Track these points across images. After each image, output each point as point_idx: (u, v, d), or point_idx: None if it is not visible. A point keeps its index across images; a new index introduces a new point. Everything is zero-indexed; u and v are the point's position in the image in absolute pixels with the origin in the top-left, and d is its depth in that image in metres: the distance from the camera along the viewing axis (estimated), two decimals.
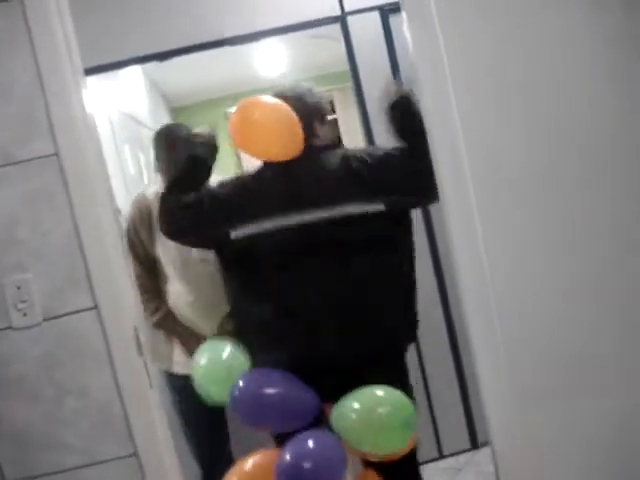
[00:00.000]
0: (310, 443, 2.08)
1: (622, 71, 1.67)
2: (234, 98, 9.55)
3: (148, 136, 5.52)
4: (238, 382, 2.16)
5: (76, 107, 1.71)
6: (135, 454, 1.74)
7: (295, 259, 2.26)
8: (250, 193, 2.35)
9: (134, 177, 4.47)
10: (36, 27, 1.68)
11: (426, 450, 3.39)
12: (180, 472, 1.88)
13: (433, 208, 2.96)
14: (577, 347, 1.68)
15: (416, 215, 2.72)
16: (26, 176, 1.69)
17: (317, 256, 2.24)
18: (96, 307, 1.72)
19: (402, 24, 1.76)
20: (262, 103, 2.39)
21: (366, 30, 3.28)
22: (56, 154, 1.68)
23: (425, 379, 3.36)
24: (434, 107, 1.68)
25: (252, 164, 2.70)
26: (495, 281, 1.65)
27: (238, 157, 9.01)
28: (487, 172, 1.65)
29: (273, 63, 7.36)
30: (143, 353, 1.77)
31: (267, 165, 2.38)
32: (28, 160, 1.69)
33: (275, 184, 2.33)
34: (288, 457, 2.03)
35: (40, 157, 1.69)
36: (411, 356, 3.27)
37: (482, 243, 1.64)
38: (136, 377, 1.74)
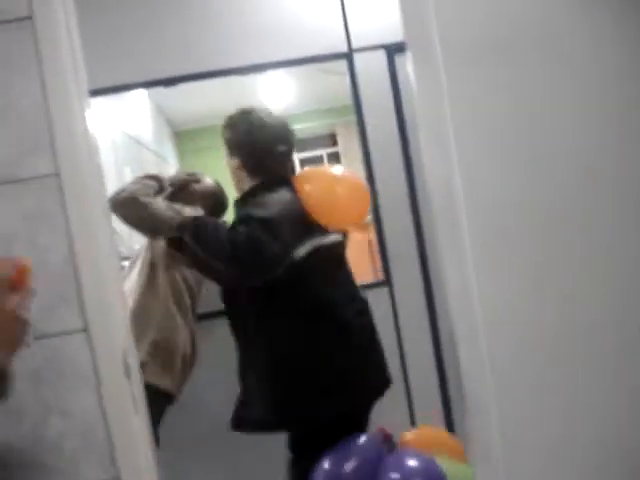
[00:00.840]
0: None
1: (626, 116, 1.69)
2: None
3: (150, 159, 5.56)
4: None
5: (79, 128, 1.72)
6: (117, 478, 1.73)
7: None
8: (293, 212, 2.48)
9: None
10: (45, 47, 1.69)
11: None
12: None
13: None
14: (570, 397, 1.69)
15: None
16: (25, 194, 1.69)
17: None
18: (86, 330, 1.71)
19: (407, 63, 1.78)
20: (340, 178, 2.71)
21: (371, 67, 3.32)
22: (56, 174, 1.69)
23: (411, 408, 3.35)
24: (433, 150, 1.70)
25: None
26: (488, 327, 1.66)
27: None
28: (484, 218, 1.66)
29: (278, 94, 7.42)
30: (130, 376, 1.76)
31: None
32: (28, 179, 1.69)
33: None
34: None
35: (40, 176, 1.69)
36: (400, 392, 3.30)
37: (475, 286, 1.65)
38: (121, 401, 1.73)
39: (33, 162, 1.69)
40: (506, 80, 1.68)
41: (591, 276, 1.69)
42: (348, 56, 3.30)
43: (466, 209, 1.66)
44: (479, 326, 1.66)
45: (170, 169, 7.44)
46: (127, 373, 1.74)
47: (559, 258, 1.67)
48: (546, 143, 1.67)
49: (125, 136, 4.63)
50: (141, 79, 3.28)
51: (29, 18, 1.69)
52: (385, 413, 3.31)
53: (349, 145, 9.08)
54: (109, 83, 3.16)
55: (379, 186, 3.34)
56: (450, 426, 3.35)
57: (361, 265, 8.61)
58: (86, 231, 1.70)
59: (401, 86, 3.29)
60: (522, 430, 1.72)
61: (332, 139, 9.29)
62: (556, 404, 1.71)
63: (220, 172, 9.53)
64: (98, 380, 1.72)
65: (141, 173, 4.87)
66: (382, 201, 3.34)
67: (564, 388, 1.71)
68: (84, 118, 1.75)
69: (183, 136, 8.72)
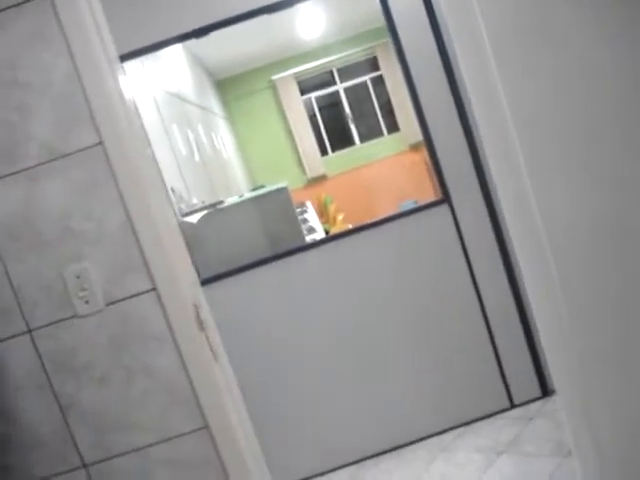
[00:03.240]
0: None
1: None
2: (277, 65, 9.62)
3: (195, 113, 5.58)
4: None
5: (114, 95, 1.73)
6: (206, 427, 1.79)
7: None
8: None
9: (185, 156, 4.51)
10: (67, 20, 1.70)
11: (497, 401, 3.40)
12: (255, 441, 1.93)
13: None
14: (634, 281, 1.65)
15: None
16: (73, 168, 1.73)
17: None
18: (154, 289, 1.76)
19: None
20: None
21: None
22: (100, 143, 1.71)
23: (490, 330, 3.35)
24: (470, 57, 1.65)
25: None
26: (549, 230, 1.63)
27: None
28: (533, 126, 1.61)
29: (312, 26, 7.33)
30: (205, 328, 1.80)
31: None
32: (73, 152, 1.72)
33: None
34: None
35: (85, 148, 1.72)
36: (475, 310, 3.30)
37: (532, 193, 1.62)
38: (200, 352, 1.78)
39: (76, 135, 1.72)
40: None
41: None
42: None
43: (512, 117, 1.61)
44: (541, 230, 1.63)
45: (217, 119, 7.46)
46: (200, 326, 1.79)
47: (614, 157, 1.61)
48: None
49: (167, 94, 4.65)
50: (173, 34, 3.25)
51: None
52: (462, 325, 3.35)
53: (391, 67, 8.95)
54: (142, 44, 3.15)
55: (425, 105, 3.27)
56: (527, 328, 3.35)
57: (422, 185, 8.61)
58: (139, 195, 1.73)
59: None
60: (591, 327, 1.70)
61: (374, 63, 9.15)
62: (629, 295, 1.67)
63: (264, 115, 9.55)
64: (173, 336, 1.77)
65: (188, 129, 4.93)
66: (431, 121, 3.28)
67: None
68: (118, 84, 1.76)
69: (224, 84, 8.74)
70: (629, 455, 1.72)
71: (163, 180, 1.90)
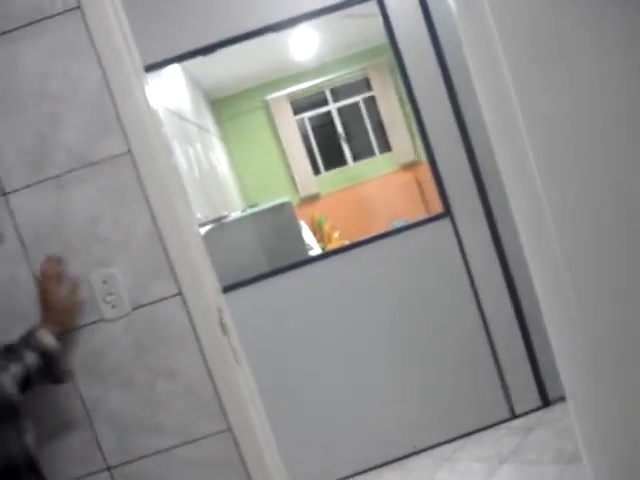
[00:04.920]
0: None
1: None
2: (270, 85, 9.67)
3: (193, 131, 5.64)
4: None
5: (142, 104, 1.79)
6: (229, 429, 1.83)
7: None
8: None
9: (186, 172, 4.57)
10: (97, 31, 1.75)
11: (498, 411, 3.45)
12: (274, 443, 1.96)
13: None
14: None
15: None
16: (102, 175, 1.78)
17: None
18: (180, 293, 1.80)
19: None
20: None
21: (402, 2, 3.30)
22: (129, 151, 1.76)
23: (491, 341, 3.41)
24: (480, 66, 1.71)
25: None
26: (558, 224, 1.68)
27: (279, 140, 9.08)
28: (543, 127, 1.67)
29: (306, 47, 7.42)
30: (227, 333, 1.85)
31: None
32: (102, 160, 1.77)
33: None
34: None
35: (114, 156, 1.77)
36: (476, 321, 3.36)
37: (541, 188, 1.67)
38: (223, 356, 1.82)
39: (105, 143, 1.77)
40: None
41: None
42: None
43: (524, 120, 1.67)
44: (550, 224, 1.67)
45: (212, 138, 7.53)
46: (224, 330, 1.83)
47: (626, 157, 1.67)
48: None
49: (167, 111, 4.71)
50: (176, 53, 3.32)
51: (77, 7, 1.76)
52: (463, 336, 3.40)
53: (384, 87, 9.06)
54: (145, 62, 3.21)
55: (426, 122, 3.35)
56: (527, 339, 3.41)
57: (413, 204, 8.66)
58: (165, 202, 1.78)
59: (433, 16, 3.28)
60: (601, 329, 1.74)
61: (366, 84, 9.26)
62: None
63: (258, 134, 9.59)
64: (198, 339, 1.81)
65: (188, 146, 4.99)
66: (432, 137, 3.35)
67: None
68: (145, 94, 1.82)
69: (219, 104, 8.82)
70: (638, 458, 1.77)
71: (185, 189, 1.95)
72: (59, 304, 1.72)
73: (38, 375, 1.61)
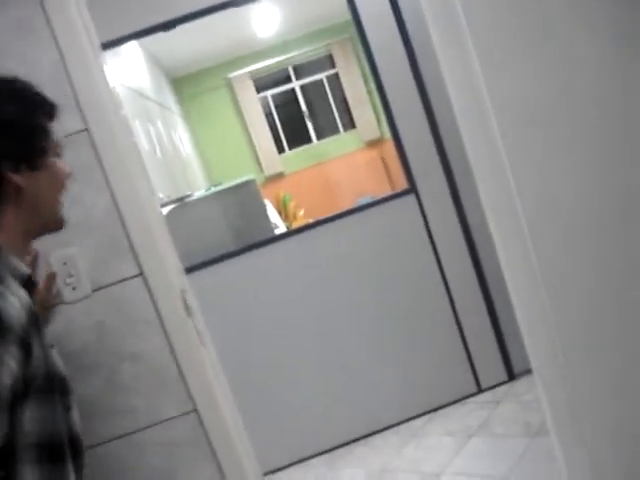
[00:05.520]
0: None
1: None
2: (233, 63, 9.55)
3: (154, 109, 5.56)
4: None
5: (100, 82, 1.74)
6: (195, 410, 1.82)
7: None
8: None
9: (148, 151, 4.50)
10: (53, 9, 1.71)
11: (465, 386, 3.48)
12: (241, 423, 1.95)
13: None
14: (616, 266, 1.71)
15: None
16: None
17: None
18: (141, 274, 1.77)
19: None
20: None
21: None
22: (86, 129, 1.72)
23: (457, 318, 3.43)
24: (445, 43, 1.69)
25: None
26: (525, 205, 1.68)
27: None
28: (511, 111, 1.66)
29: (268, 23, 7.34)
30: (191, 314, 1.82)
31: None
32: (59, 138, 1.72)
33: None
34: None
35: (71, 134, 1.73)
36: (442, 297, 3.37)
37: (509, 170, 1.67)
38: (187, 337, 1.80)
39: (63, 121, 1.71)
40: None
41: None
42: None
43: (490, 99, 1.65)
44: (518, 206, 1.67)
45: (174, 117, 7.43)
46: (188, 311, 1.81)
47: (593, 134, 1.67)
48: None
49: (127, 89, 4.63)
50: (134, 30, 3.25)
51: None
52: (429, 312, 3.42)
53: (347, 64, 9.01)
54: (103, 39, 3.14)
55: (391, 99, 3.33)
56: (493, 314, 3.44)
57: (378, 181, 8.67)
58: (125, 182, 1.75)
59: None
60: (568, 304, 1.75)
61: (330, 61, 9.20)
62: (606, 274, 1.73)
63: (221, 113, 9.50)
64: (161, 321, 1.79)
65: (149, 124, 4.92)
66: (396, 114, 3.33)
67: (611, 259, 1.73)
68: (102, 72, 1.78)
69: (180, 82, 8.70)
70: (614, 450, 1.78)
71: (146, 168, 1.91)
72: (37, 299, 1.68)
73: None
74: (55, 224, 1.36)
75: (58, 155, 1.33)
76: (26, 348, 1.09)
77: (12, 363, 1.05)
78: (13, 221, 1.24)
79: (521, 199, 1.67)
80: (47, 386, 1.17)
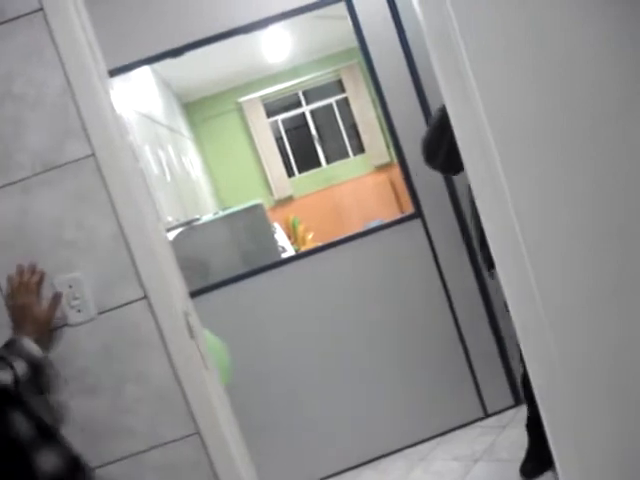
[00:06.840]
0: None
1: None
2: (243, 88, 9.62)
3: (165, 134, 5.62)
4: None
5: (106, 108, 1.77)
6: (197, 433, 1.82)
7: None
8: None
9: (157, 176, 4.54)
10: (60, 35, 1.74)
11: (471, 411, 3.47)
12: (244, 446, 1.96)
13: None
14: (611, 285, 1.71)
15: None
16: (66, 179, 1.76)
17: None
18: (146, 297, 1.79)
19: None
20: None
21: (371, 4, 3.31)
22: (93, 155, 1.75)
23: (463, 342, 3.42)
24: (445, 71, 1.71)
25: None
26: (525, 231, 1.69)
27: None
28: (507, 130, 1.68)
29: (278, 49, 7.41)
30: (195, 336, 1.84)
31: None
32: (66, 163, 1.76)
33: None
34: None
35: (77, 159, 1.76)
36: (448, 321, 3.38)
37: (509, 194, 1.68)
38: (190, 360, 1.81)
39: (69, 147, 1.75)
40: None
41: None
42: None
43: (489, 125, 1.67)
44: (517, 232, 1.69)
45: (185, 141, 7.49)
46: (191, 333, 1.82)
47: (587, 152, 1.68)
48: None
49: (137, 114, 4.68)
50: (145, 55, 3.30)
51: (40, 10, 1.74)
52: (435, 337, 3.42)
53: (357, 89, 9.07)
54: (114, 65, 3.20)
55: (396, 123, 3.36)
56: (499, 339, 3.43)
57: (387, 205, 8.68)
58: (130, 206, 1.77)
59: (402, 17, 3.29)
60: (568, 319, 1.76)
61: (339, 86, 9.27)
62: (602, 295, 1.73)
63: (231, 137, 9.56)
64: (165, 343, 1.80)
65: (159, 149, 4.96)
66: (402, 138, 3.36)
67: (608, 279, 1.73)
68: (109, 98, 1.81)
69: (192, 106, 8.78)
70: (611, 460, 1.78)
71: (151, 193, 1.94)
72: (40, 317, 1.71)
73: (26, 384, 1.60)
74: None
75: None
76: None
77: None
78: None
79: (520, 222, 1.69)
80: None
